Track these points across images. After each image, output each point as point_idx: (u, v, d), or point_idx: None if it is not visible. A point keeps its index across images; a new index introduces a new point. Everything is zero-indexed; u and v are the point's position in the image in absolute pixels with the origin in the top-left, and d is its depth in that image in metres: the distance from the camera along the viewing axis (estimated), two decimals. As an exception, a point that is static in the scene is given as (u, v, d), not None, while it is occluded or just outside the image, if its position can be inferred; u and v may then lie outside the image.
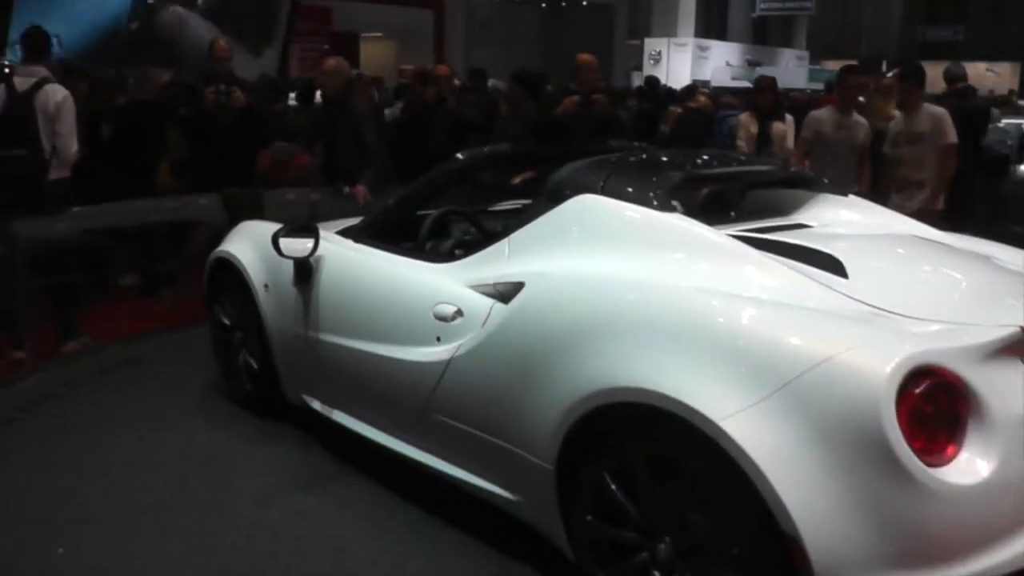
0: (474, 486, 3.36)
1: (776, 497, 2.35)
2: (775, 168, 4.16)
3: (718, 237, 3.03)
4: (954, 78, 7.71)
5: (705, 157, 4.03)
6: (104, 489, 3.92)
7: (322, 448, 4.29)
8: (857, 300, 2.71)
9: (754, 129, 7.53)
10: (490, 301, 3.28)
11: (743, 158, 4.61)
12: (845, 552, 2.32)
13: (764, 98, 7.78)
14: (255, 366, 4.58)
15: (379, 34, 26.10)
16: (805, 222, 3.67)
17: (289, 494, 3.88)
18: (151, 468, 4.11)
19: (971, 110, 7.19)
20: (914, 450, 2.30)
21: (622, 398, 2.70)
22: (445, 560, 3.37)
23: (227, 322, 4.80)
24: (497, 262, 3.39)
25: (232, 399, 4.85)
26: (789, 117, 7.91)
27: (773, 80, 8.14)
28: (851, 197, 3.90)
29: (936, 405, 2.37)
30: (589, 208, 3.26)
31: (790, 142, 7.58)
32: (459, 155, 4.04)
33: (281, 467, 4.15)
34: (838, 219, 3.69)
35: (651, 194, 3.20)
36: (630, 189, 3.24)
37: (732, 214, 3.58)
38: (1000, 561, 2.36)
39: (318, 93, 8.50)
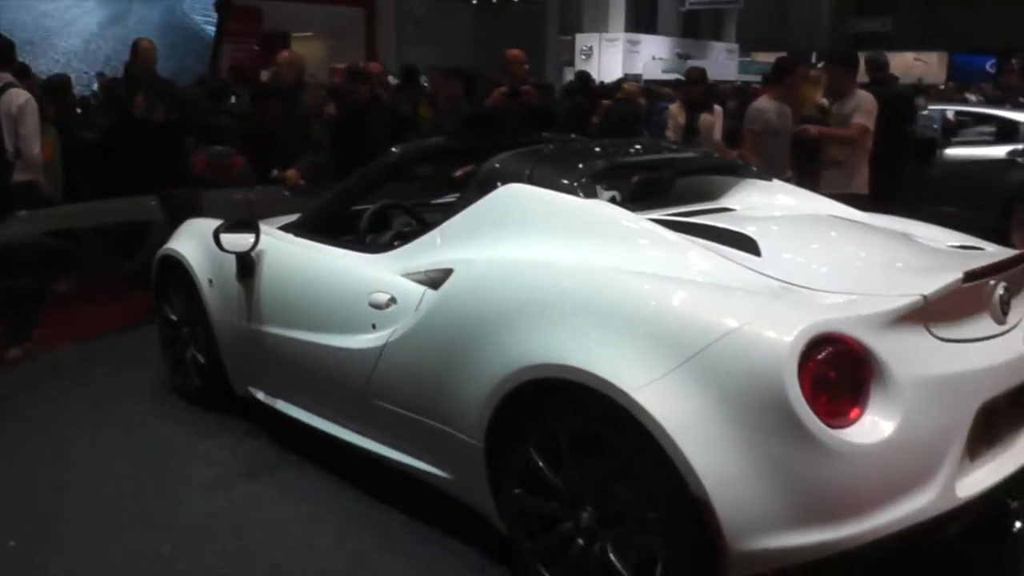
0: (411, 467, 3.40)
1: (686, 462, 2.41)
2: (701, 156, 4.23)
3: (636, 221, 3.08)
4: (875, 66, 7.86)
5: (634, 147, 4.10)
6: (57, 484, 3.90)
7: (268, 438, 4.29)
8: (768, 276, 2.78)
9: (683, 120, 7.65)
10: (422, 288, 3.32)
11: (672, 147, 4.69)
12: (753, 512, 2.39)
13: (695, 89, 7.88)
14: (202, 360, 4.58)
15: (310, 33, 25.67)
16: (729, 206, 3.75)
17: (236, 483, 3.89)
18: (103, 463, 4.09)
19: (894, 96, 7.31)
20: (818, 413, 2.37)
21: (543, 374, 2.75)
22: (386, 541, 3.39)
23: (174, 318, 4.79)
24: (429, 251, 3.44)
25: (182, 394, 4.82)
26: (718, 108, 8.06)
27: (703, 71, 8.25)
28: (775, 181, 3.99)
29: (839, 370, 2.44)
30: (515, 196, 3.31)
31: (717, 133, 7.71)
32: (394, 149, 4.08)
33: (229, 457, 4.15)
34: (761, 202, 3.77)
35: (575, 182, 3.26)
36: (554, 177, 3.29)
37: (660, 200, 3.64)
38: (903, 515, 2.44)
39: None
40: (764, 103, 6.83)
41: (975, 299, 2.80)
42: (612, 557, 2.70)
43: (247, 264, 4.11)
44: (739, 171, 4.05)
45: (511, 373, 2.83)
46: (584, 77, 13.49)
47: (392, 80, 11.87)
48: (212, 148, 6.52)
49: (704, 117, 7.66)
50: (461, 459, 3.12)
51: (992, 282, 2.84)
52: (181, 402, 4.79)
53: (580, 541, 2.79)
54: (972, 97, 16.63)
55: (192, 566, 3.26)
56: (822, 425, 2.36)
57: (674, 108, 7.97)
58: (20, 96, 5.98)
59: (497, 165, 3.46)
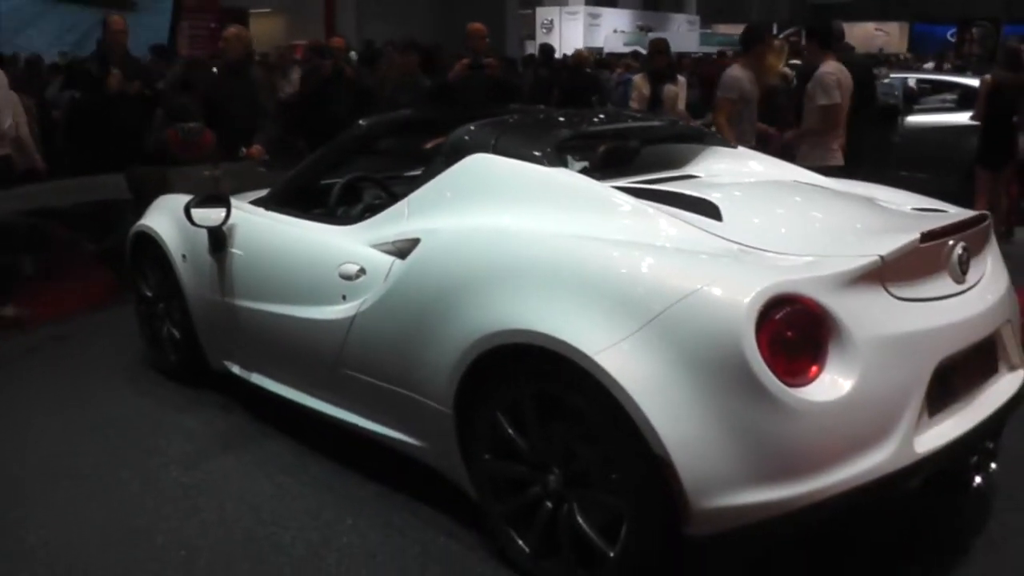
0: (384, 436, 3.40)
1: (647, 423, 2.42)
2: (667, 124, 4.23)
3: (600, 189, 3.08)
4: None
5: (600, 116, 4.09)
6: (34, 459, 3.90)
7: (244, 411, 4.29)
8: (728, 240, 2.78)
9: (647, 91, 7.67)
10: (390, 259, 3.31)
11: (638, 116, 4.68)
12: (713, 470, 2.41)
13: (659, 60, 7.90)
14: (178, 336, 4.57)
15: (267, 9, 25.21)
16: (695, 173, 3.76)
17: (213, 456, 3.88)
18: (81, 438, 4.08)
19: (853, 67, 7.35)
20: (776, 372, 2.38)
21: (508, 340, 2.76)
22: (360, 510, 3.40)
23: (150, 294, 4.77)
24: (397, 222, 3.43)
25: (159, 369, 4.82)
26: (681, 79, 8.09)
27: (666, 43, 8.22)
28: (740, 148, 4.00)
29: (797, 330, 2.45)
30: (481, 166, 3.30)
31: (681, 103, 7.76)
32: (361, 121, 4.06)
33: (206, 431, 4.15)
34: (727, 169, 3.78)
35: (540, 151, 3.24)
36: (520, 147, 3.28)
37: (627, 168, 3.65)
38: (862, 470, 2.46)
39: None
40: (738, 71, 6.81)
41: (934, 259, 2.82)
42: (579, 519, 2.72)
43: (219, 238, 4.09)
44: (705, 139, 4.05)
45: (477, 340, 2.83)
46: (547, 50, 13.48)
47: (354, 55, 11.80)
48: (184, 124, 6.42)
49: (668, 88, 7.69)
50: (431, 427, 3.12)
51: (951, 242, 2.86)
52: (159, 378, 4.78)
53: (548, 504, 2.80)
54: (929, 67, 16.83)
55: (170, 538, 3.25)
56: (780, 384, 2.37)
57: (638, 79, 7.97)
58: None
59: (463, 135, 3.44)
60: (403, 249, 3.28)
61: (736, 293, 2.42)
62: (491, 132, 3.39)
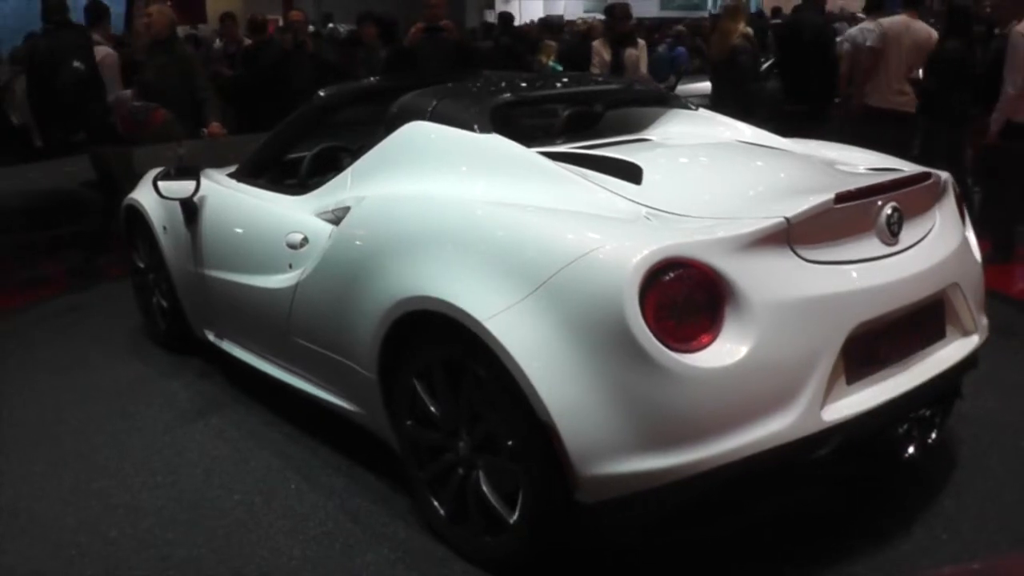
0: (329, 402, 3.39)
1: (532, 388, 2.36)
2: (624, 87, 4.09)
3: (524, 154, 2.99)
4: None
5: (552, 81, 3.99)
6: (12, 422, 4.00)
7: (223, 378, 4.34)
8: (638, 203, 2.68)
9: (607, 56, 7.63)
10: (330, 227, 3.29)
11: (597, 79, 4.51)
12: (598, 437, 2.33)
13: (621, 25, 7.83)
14: (165, 305, 4.62)
15: None
16: (649, 136, 3.65)
17: (183, 422, 3.93)
18: (62, 404, 4.17)
19: (808, 26, 7.28)
20: (662, 337, 2.28)
21: (417, 307, 2.72)
22: (307, 475, 3.41)
23: (141, 265, 4.83)
24: (340, 190, 3.39)
25: (151, 338, 4.90)
26: (641, 42, 8.06)
27: (627, 7, 8.02)
28: (700, 110, 3.86)
29: (686, 294, 2.34)
30: (415, 133, 3.25)
31: (643, 66, 7.81)
32: (320, 92, 4.02)
33: (183, 396, 4.22)
34: (680, 131, 3.66)
35: (471, 116, 3.17)
36: (453, 113, 3.21)
37: (586, 133, 3.57)
38: (759, 438, 2.36)
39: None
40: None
41: (859, 220, 2.68)
42: (483, 486, 2.68)
43: (190, 210, 4.12)
44: (668, 101, 3.92)
45: (392, 306, 2.80)
46: (507, 18, 13.40)
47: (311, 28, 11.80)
48: (132, 104, 6.41)
49: (629, 52, 7.65)
50: (363, 392, 3.10)
51: (879, 203, 2.71)
52: (149, 346, 4.85)
53: (460, 470, 2.76)
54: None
55: (123, 499, 3.31)
56: (665, 349, 2.28)
57: (597, 44, 7.95)
58: None
59: (403, 103, 3.38)
60: (340, 217, 3.25)
61: (622, 256, 2.32)
62: (430, 99, 3.33)
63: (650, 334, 2.27)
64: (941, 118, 6.41)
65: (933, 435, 2.98)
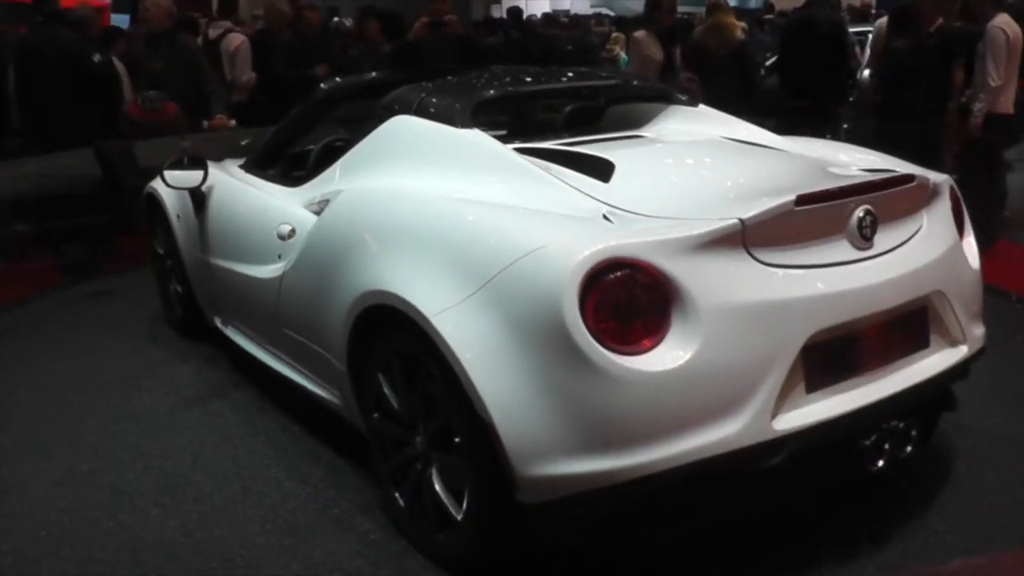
0: (312, 392, 3.42)
1: (472, 386, 2.34)
2: (621, 83, 4.02)
3: (497, 150, 2.97)
4: None
5: (553, 76, 3.94)
6: (16, 408, 4.08)
7: (229, 364, 4.40)
8: (601, 201, 2.63)
9: (658, 53, 6.87)
10: (315, 218, 3.31)
11: (598, 75, 4.39)
12: (536, 437, 2.30)
13: (667, 19, 7.09)
14: (180, 291, 4.71)
15: None
16: (645, 133, 3.60)
17: (182, 408, 4.00)
18: (73, 387, 4.26)
19: (821, 22, 7.00)
20: (602, 339, 2.24)
21: (376, 300, 2.72)
22: (289, 464, 3.44)
23: (160, 251, 4.93)
24: (328, 183, 3.41)
25: (169, 323, 4.99)
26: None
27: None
28: (701, 107, 3.79)
29: (629, 296, 2.28)
30: (399, 127, 3.25)
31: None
32: (323, 85, 4.04)
33: (189, 382, 4.28)
34: (676, 128, 3.60)
35: (454, 111, 3.15)
36: (437, 107, 3.20)
37: (587, 128, 3.55)
38: (703, 444, 2.30)
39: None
40: None
41: (828, 222, 2.59)
42: (435, 482, 2.67)
43: (198, 199, 4.18)
44: (668, 97, 3.85)
45: (356, 299, 2.81)
46: (516, 12, 13.26)
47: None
48: (144, 93, 6.45)
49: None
50: (338, 384, 3.12)
51: (851, 205, 2.62)
52: (166, 330, 4.94)
53: (418, 466, 2.76)
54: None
55: (110, 482, 3.38)
56: (603, 351, 2.23)
57: (642, 36, 6.96)
58: None
59: (392, 97, 3.39)
60: (323, 210, 3.26)
61: (564, 255, 2.28)
62: (417, 93, 3.32)
63: (589, 335, 2.23)
64: (898, 118, 6.37)
65: (908, 449, 2.83)
